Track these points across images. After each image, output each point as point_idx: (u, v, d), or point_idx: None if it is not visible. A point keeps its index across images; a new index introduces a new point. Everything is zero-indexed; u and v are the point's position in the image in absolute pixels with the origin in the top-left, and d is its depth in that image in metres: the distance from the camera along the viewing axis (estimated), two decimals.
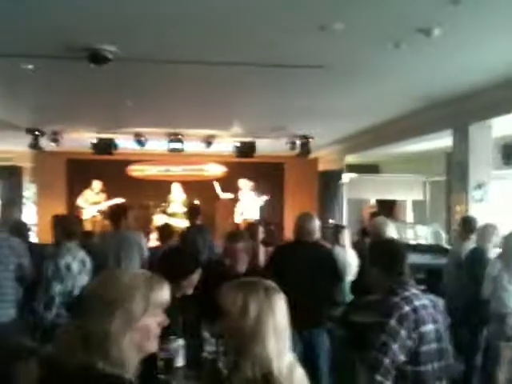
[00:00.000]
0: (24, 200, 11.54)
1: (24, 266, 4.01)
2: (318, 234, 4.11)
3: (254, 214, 10.79)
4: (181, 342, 2.48)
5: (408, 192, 9.22)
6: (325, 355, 3.98)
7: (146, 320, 1.41)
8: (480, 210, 5.88)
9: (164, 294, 1.47)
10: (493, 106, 5.71)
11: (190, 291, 2.84)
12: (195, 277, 2.85)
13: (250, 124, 8.63)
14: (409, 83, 5.64)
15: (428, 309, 2.39)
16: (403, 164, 10.54)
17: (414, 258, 4.74)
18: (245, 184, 10.93)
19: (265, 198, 10.94)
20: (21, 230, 5.41)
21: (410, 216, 9.84)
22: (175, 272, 2.78)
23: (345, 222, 8.37)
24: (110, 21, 3.79)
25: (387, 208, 9.57)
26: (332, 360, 4.11)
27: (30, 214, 11.77)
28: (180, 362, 2.47)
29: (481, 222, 5.04)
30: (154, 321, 1.43)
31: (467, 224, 5.09)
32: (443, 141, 7.11)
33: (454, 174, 6.53)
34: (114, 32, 4.06)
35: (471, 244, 4.88)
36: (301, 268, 3.84)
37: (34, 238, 9.40)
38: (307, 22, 3.76)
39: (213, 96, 6.46)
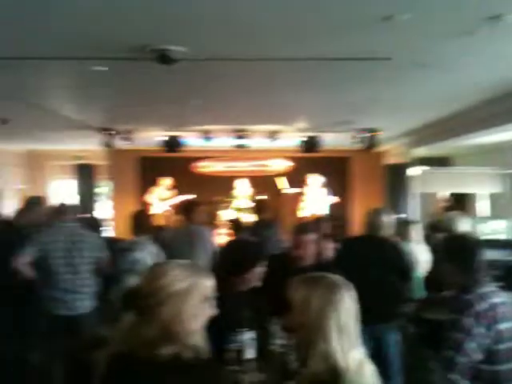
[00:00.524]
0: (98, 196, 12.09)
1: (101, 259, 4.21)
2: (389, 230, 4.03)
3: (320, 209, 10.72)
4: (251, 334, 2.53)
5: (483, 185, 8.79)
6: (395, 352, 3.91)
7: (203, 309, 1.47)
8: None
9: (211, 286, 1.52)
10: None
11: (256, 284, 2.86)
12: (258, 270, 2.86)
13: (315, 119, 8.58)
14: (480, 73, 5.38)
15: (507, 306, 2.30)
16: (476, 156, 10.08)
17: (490, 254, 4.54)
18: (314, 179, 10.88)
19: (334, 198, 10.83)
20: (95, 225, 5.69)
21: (486, 210, 9.41)
22: (237, 266, 2.82)
23: (415, 217, 8.13)
24: (178, 22, 3.89)
25: (461, 202, 9.21)
26: (404, 357, 4.04)
27: (104, 209, 12.34)
28: (250, 353, 2.52)
29: None
30: (207, 312, 1.49)
31: None
32: None
33: None
34: (181, 33, 4.16)
35: None
36: (368, 263, 3.79)
37: (108, 232, 9.87)
38: (371, 14, 3.68)
39: (277, 92, 6.47)
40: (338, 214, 11.87)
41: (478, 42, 4.19)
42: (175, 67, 4.57)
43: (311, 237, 3.45)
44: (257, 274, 2.85)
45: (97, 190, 11.92)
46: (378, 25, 3.82)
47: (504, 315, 2.24)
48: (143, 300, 1.45)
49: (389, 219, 3.99)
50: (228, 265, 2.87)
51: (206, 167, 12.57)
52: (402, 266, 4.01)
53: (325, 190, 10.92)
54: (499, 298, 2.30)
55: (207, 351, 1.47)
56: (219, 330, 1.93)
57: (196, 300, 1.47)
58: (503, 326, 2.22)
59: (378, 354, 3.77)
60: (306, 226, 3.66)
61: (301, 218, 10.45)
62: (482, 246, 2.53)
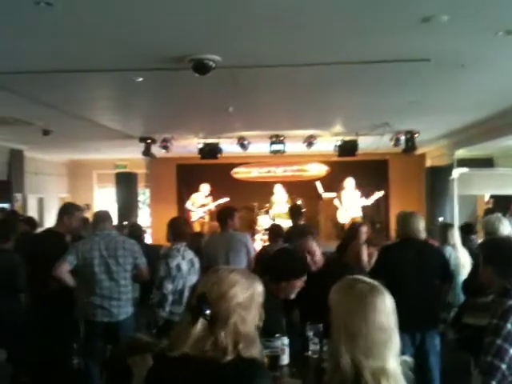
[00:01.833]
0: (139, 204, 12.33)
1: (140, 266, 4.27)
2: (423, 233, 3.97)
3: (358, 213, 10.58)
4: (285, 340, 2.53)
5: None
6: (436, 359, 3.82)
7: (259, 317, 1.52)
8: None
9: (262, 294, 1.56)
10: None
11: (291, 296, 2.88)
12: (299, 282, 2.87)
13: (353, 122, 8.51)
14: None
15: None
16: None
17: None
18: (349, 182, 10.75)
19: (379, 194, 10.61)
20: (137, 232, 5.80)
21: None
22: (281, 273, 2.85)
23: (456, 220, 7.92)
24: (211, 31, 3.95)
25: (504, 204, 8.90)
26: (444, 363, 3.94)
27: (144, 217, 12.58)
28: (285, 359, 2.52)
29: None
30: (257, 318, 1.53)
31: None
32: None
33: None
34: (215, 42, 4.22)
35: None
36: (409, 268, 3.73)
37: (148, 239, 10.04)
38: (409, 15, 3.63)
39: (312, 96, 6.46)
40: (377, 219, 11.74)
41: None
42: (209, 75, 4.63)
43: (310, 240, 3.43)
44: (295, 286, 2.86)
45: (138, 198, 12.15)
46: (417, 26, 3.78)
47: None
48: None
49: (422, 222, 3.92)
50: (272, 271, 2.91)
51: (243, 173, 12.64)
52: (442, 270, 3.93)
53: (360, 192, 10.75)
54: None
55: (262, 355, 1.51)
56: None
57: (256, 308, 1.53)
58: None
59: (418, 361, 3.72)
60: (303, 230, 3.64)
61: (340, 224, 10.34)
62: None
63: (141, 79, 5.29)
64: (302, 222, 6.39)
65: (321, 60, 4.74)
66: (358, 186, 10.80)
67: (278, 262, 3.00)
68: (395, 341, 1.59)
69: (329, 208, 10.94)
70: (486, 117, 7.73)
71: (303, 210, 7.31)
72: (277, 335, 2.47)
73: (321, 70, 5.10)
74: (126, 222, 5.76)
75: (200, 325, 1.48)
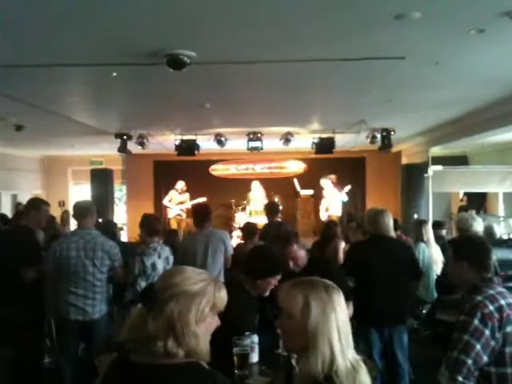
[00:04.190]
0: (115, 201, 12.19)
1: (117, 268, 4.22)
2: (393, 231, 3.99)
3: (337, 211, 10.66)
4: (255, 338, 2.52)
5: (499, 184, 8.65)
6: (405, 354, 3.85)
7: (211, 317, 1.49)
8: None
9: (223, 298, 1.54)
10: None
11: (266, 293, 2.87)
12: (273, 280, 2.87)
13: (329, 120, 8.55)
14: (494, 70, 5.29)
15: None
16: (493, 154, 9.95)
17: (505, 254, 4.46)
18: (325, 182, 10.83)
19: (347, 188, 10.72)
20: (110, 229, 5.71)
21: (501, 209, 9.26)
22: (256, 271, 2.84)
23: (430, 217, 8.03)
24: (186, 26, 3.91)
25: (477, 201, 9.06)
26: (417, 359, 3.98)
27: (120, 214, 12.44)
28: (254, 357, 2.50)
29: None
30: (215, 321, 1.51)
31: None
32: None
33: None
34: (189, 37, 4.18)
35: None
36: (378, 265, 3.74)
37: (124, 236, 9.93)
38: (383, 13, 3.65)
39: (289, 93, 6.47)
40: (354, 216, 11.82)
41: (491, 38, 4.13)
42: (185, 71, 4.59)
43: (294, 248, 3.45)
44: (270, 284, 2.86)
45: (115, 195, 12.00)
46: (391, 24, 3.79)
47: (511, 318, 2.19)
48: (154, 294, 1.47)
49: (391, 219, 3.95)
50: (248, 269, 2.90)
51: (220, 170, 12.60)
52: (411, 266, 3.94)
53: (337, 188, 10.83)
54: (508, 299, 2.24)
55: (207, 356, 1.47)
56: (227, 333, 1.92)
57: (205, 305, 1.49)
58: (510, 329, 2.17)
59: (387, 356, 3.75)
60: (287, 236, 3.64)
61: (320, 222, 10.40)
62: (493, 246, 2.49)
63: (115, 74, 5.21)
64: (278, 219, 6.39)
65: (296, 57, 4.74)
66: (336, 182, 10.88)
67: (253, 260, 2.99)
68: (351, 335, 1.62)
69: (306, 205, 10.99)
70: (460, 114, 7.84)
71: (280, 207, 7.31)
72: (247, 333, 2.46)
73: (297, 67, 5.10)
74: (100, 220, 5.65)
75: (138, 310, 1.48)
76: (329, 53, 4.66)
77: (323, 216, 10.68)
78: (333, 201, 10.72)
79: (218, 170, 12.60)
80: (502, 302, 2.23)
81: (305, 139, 9.77)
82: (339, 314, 1.59)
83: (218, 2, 3.42)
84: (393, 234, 3.98)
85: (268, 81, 5.80)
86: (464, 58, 4.84)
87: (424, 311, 4.80)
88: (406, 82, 5.89)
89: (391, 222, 3.92)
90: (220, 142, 9.72)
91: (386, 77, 5.55)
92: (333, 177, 11.02)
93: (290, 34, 4.12)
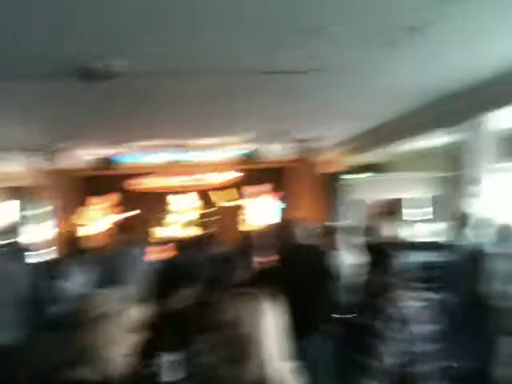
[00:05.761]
0: (27, 220, 11.55)
1: (25, 290, 3.99)
2: (308, 238, 4.05)
3: (260, 221, 10.77)
4: (169, 357, 2.45)
5: (414, 190, 9.14)
6: (325, 361, 3.87)
7: (125, 337, 1.46)
8: (479, 205, 5.84)
9: (137, 316, 1.52)
10: (491, 100, 5.66)
11: (179, 306, 2.79)
12: (186, 292, 2.79)
13: (254, 131, 8.65)
14: (406, 81, 5.61)
15: (418, 309, 2.32)
16: (410, 162, 10.48)
17: (416, 256, 4.68)
18: (249, 191, 10.94)
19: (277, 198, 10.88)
20: (19, 251, 5.42)
21: (416, 213, 9.75)
22: (160, 288, 2.77)
23: (349, 223, 8.30)
24: (102, 38, 3.82)
25: (391, 207, 9.48)
26: (334, 364, 4.05)
27: (36, 232, 11.80)
28: (169, 376, 2.44)
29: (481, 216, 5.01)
30: (130, 339, 1.49)
31: (463, 219, 5.09)
32: (446, 137, 7.07)
33: (454, 169, 6.53)
34: (102, 49, 4.08)
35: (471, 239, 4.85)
36: (293, 273, 3.75)
37: (40, 257, 9.41)
38: (301, 27, 3.77)
39: (215, 104, 6.47)
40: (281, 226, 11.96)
41: (401, 52, 4.39)
42: (109, 84, 4.47)
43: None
44: (182, 296, 2.78)
45: (25, 214, 11.36)
46: (308, 37, 3.92)
47: (415, 318, 2.26)
48: (68, 322, 1.43)
49: (307, 227, 4.02)
50: (156, 285, 2.84)
51: (144, 184, 12.32)
52: (327, 272, 3.99)
53: (261, 198, 10.98)
54: (411, 301, 2.32)
55: (119, 379, 1.43)
56: (146, 354, 1.87)
57: (117, 327, 1.44)
58: (415, 329, 2.24)
59: (306, 361, 3.78)
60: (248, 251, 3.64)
61: (242, 232, 10.43)
62: (396, 250, 2.56)
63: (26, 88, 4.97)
64: (208, 231, 6.37)
65: (221, 68, 4.78)
66: (260, 192, 11.01)
67: (161, 276, 2.92)
68: (285, 341, 1.63)
69: (230, 217, 11.01)
70: (376, 125, 8.21)
71: (208, 220, 7.30)
72: (157, 353, 2.38)
73: (222, 79, 5.13)
74: (8, 241, 5.33)
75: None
76: (251, 65, 4.73)
77: (246, 227, 10.76)
78: (258, 211, 10.83)
79: (141, 183, 12.31)
80: (405, 303, 2.30)
81: (231, 150, 9.83)
82: (269, 324, 1.60)
83: (138, 14, 3.37)
84: (307, 241, 4.03)
85: (189, 92, 5.77)
86: (376, 70, 5.09)
87: (342, 316, 4.88)
88: (327, 94, 6.08)
89: (306, 230, 3.98)
90: (145, 155, 9.54)
91: (306, 88, 5.71)
92: (262, 186, 11.14)
93: (215, 45, 4.16)
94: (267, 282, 3.71)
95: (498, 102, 5.65)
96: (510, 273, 4.12)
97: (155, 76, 4.87)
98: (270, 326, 1.59)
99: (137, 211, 10.59)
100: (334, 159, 11.36)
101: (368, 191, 9.18)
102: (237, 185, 11.68)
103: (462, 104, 6.10)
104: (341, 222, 8.76)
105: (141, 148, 9.39)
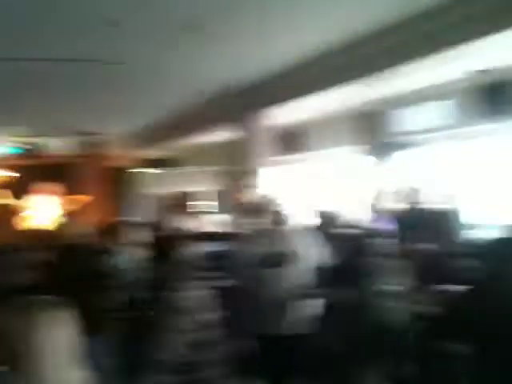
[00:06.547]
0: None
1: None
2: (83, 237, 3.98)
3: (46, 220, 10.08)
4: None
5: (201, 183, 9.56)
6: (108, 361, 3.83)
7: None
8: (258, 195, 6.15)
9: None
10: (271, 97, 6.13)
11: None
12: None
13: (36, 123, 8.02)
14: (188, 79, 5.81)
15: (204, 297, 2.45)
16: (197, 157, 10.87)
17: (201, 247, 4.91)
18: (29, 189, 10.16)
19: (58, 200, 10.26)
20: None
21: (203, 205, 10.20)
22: None
23: (140, 218, 8.31)
24: None
25: (179, 200, 9.77)
26: (120, 362, 4.05)
27: None
28: None
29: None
30: None
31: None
32: (228, 133, 7.54)
33: (235, 163, 7.00)
34: None
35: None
36: (68, 274, 3.62)
37: None
38: (98, 18, 3.75)
39: None
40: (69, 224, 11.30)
41: (180, 50, 4.61)
42: None
43: None
44: None
45: None
46: (106, 29, 3.91)
47: (200, 307, 2.35)
48: None
49: (81, 226, 3.93)
50: None
51: None
52: (104, 270, 3.95)
53: (50, 196, 10.28)
54: (196, 290, 2.42)
55: None
56: None
57: None
58: (200, 317, 2.33)
59: (91, 361, 3.70)
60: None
61: (28, 231, 9.63)
62: (185, 243, 2.65)
63: None
64: None
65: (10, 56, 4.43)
66: (48, 189, 10.28)
67: None
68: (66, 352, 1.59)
69: (6, 215, 10.09)
70: (163, 120, 8.35)
71: None
72: None
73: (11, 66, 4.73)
74: None
75: None
76: (43, 53, 4.48)
77: (29, 225, 9.98)
78: (39, 209, 10.14)
79: None
80: (190, 293, 2.38)
81: (9, 144, 8.96)
82: (43, 334, 1.48)
83: None
84: (86, 240, 3.94)
85: None
86: (162, 67, 5.22)
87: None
88: (116, 87, 6.01)
89: (81, 229, 3.87)
90: None
91: (99, 80, 5.58)
92: (44, 184, 10.38)
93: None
94: (48, 284, 3.54)
95: (272, 100, 6.22)
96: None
97: None
98: (43, 335, 1.48)
99: None
100: (122, 154, 11.20)
101: (157, 185, 9.30)
102: (11, 183, 10.66)
103: (240, 101, 6.56)
104: (129, 217, 8.69)
105: None
